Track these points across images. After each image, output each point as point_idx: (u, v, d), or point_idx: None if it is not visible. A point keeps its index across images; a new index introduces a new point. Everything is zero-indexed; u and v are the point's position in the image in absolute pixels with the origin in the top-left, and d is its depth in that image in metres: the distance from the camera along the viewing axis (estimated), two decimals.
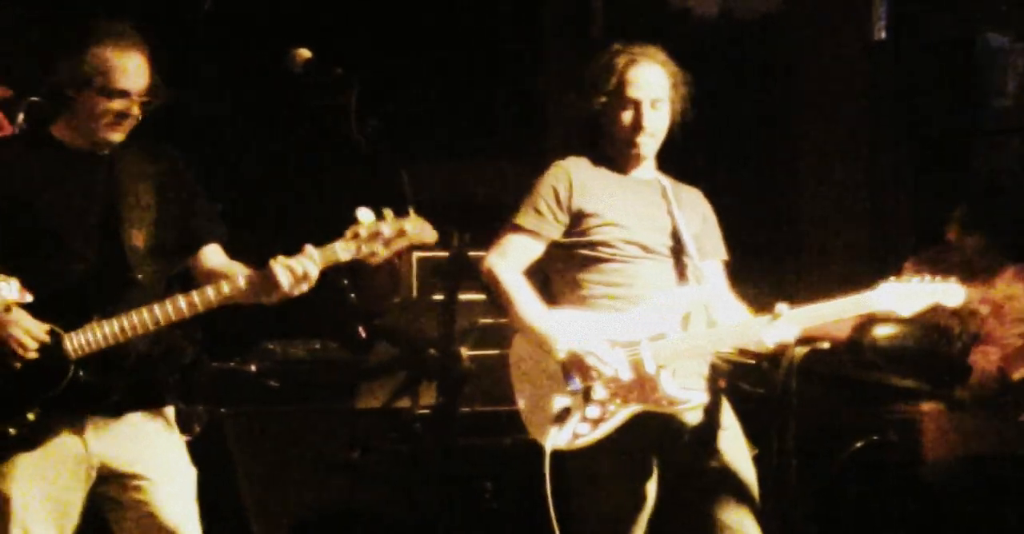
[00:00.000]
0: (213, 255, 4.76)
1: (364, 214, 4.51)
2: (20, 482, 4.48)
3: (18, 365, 4.40)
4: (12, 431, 4.45)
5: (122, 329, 4.47)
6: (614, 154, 5.05)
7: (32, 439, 4.48)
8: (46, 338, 4.42)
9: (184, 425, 5.02)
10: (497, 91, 8.74)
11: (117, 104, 4.55)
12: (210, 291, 4.50)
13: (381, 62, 8.11)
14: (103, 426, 4.57)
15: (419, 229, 4.53)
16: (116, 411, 4.58)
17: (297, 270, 4.48)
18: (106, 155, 4.64)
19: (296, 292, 4.51)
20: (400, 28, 8.67)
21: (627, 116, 4.97)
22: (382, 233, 4.50)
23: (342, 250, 4.51)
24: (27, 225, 4.52)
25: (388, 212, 4.51)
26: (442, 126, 8.72)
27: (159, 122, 4.73)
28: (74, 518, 4.58)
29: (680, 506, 4.98)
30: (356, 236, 4.51)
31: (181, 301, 4.50)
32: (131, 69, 4.54)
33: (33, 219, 4.52)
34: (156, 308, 4.48)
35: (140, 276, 4.57)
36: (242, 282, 4.51)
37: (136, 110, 4.57)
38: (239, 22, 8.65)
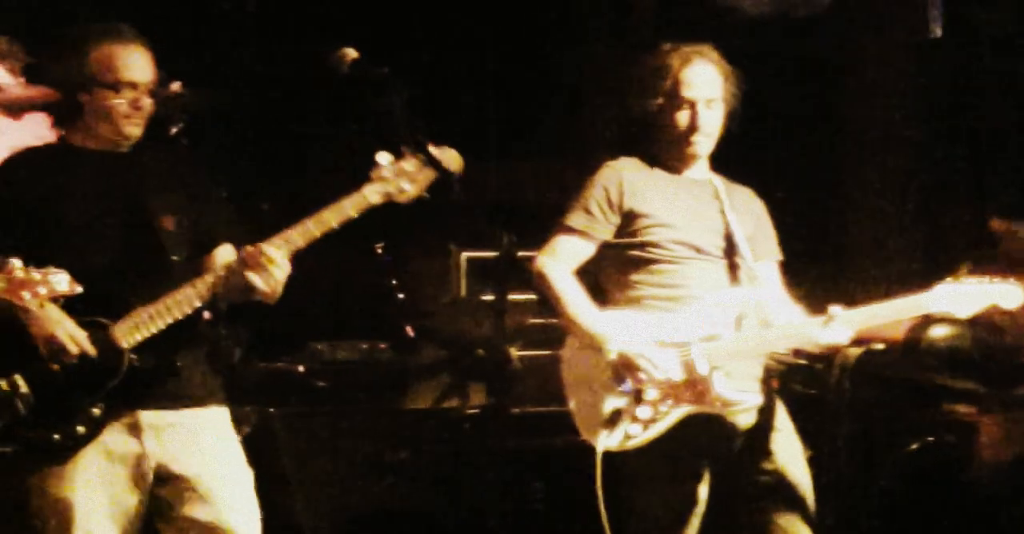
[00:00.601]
0: (222, 255, 4.74)
1: (383, 156, 4.51)
2: (82, 487, 4.47)
3: (72, 362, 4.41)
4: (81, 430, 4.46)
5: (167, 309, 4.47)
6: (667, 154, 5.02)
7: (97, 438, 4.47)
8: (86, 343, 4.43)
9: (232, 426, 5.00)
10: (547, 90, 8.71)
11: (127, 96, 4.58)
12: (234, 266, 4.50)
13: (427, 62, 8.10)
14: (159, 427, 4.57)
15: (441, 157, 4.50)
16: (171, 405, 4.58)
17: (256, 256, 4.44)
18: (125, 154, 4.67)
19: (267, 281, 4.47)
20: (446, 28, 8.65)
21: (683, 116, 4.94)
22: (405, 170, 4.49)
23: (371, 193, 4.51)
24: (55, 228, 4.54)
25: (406, 149, 4.50)
26: (491, 126, 8.69)
27: (202, 122, 4.73)
28: (135, 520, 4.58)
29: (733, 508, 4.95)
30: (380, 177, 4.51)
31: (220, 273, 4.50)
32: (134, 61, 4.58)
33: (61, 221, 4.54)
34: (197, 283, 4.49)
35: (175, 257, 4.60)
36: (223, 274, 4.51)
37: (146, 102, 4.60)
38: (285, 22, 8.65)
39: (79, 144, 4.67)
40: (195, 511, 4.56)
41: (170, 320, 4.49)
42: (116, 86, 4.57)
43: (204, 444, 4.61)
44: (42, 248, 4.48)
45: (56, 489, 4.47)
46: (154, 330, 4.48)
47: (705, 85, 4.95)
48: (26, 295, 4.16)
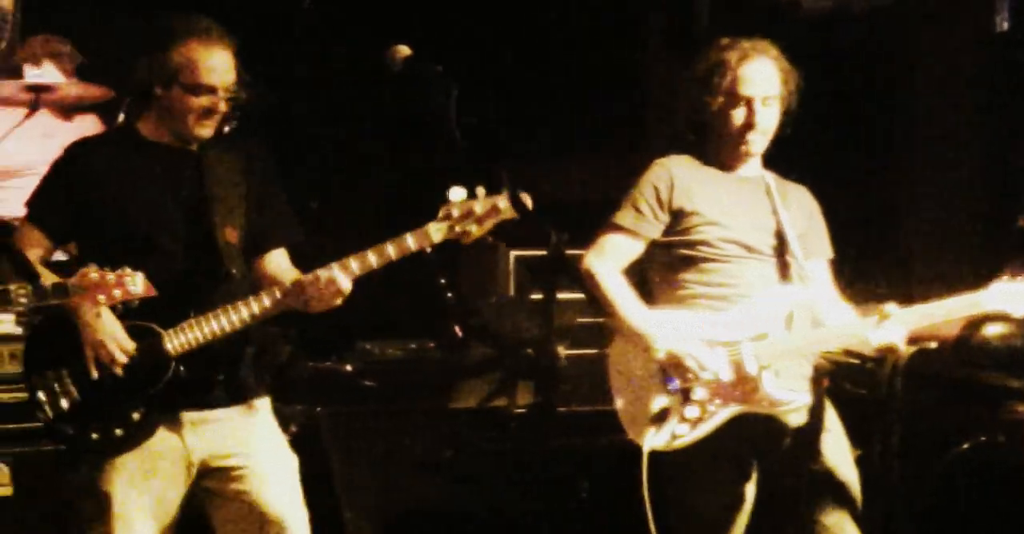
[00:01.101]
0: (274, 260, 4.76)
1: (456, 193, 4.51)
2: (122, 481, 4.52)
3: (118, 370, 4.43)
4: (119, 432, 4.49)
5: (220, 325, 4.50)
6: (720, 151, 4.99)
7: (136, 438, 4.51)
8: (131, 350, 4.44)
9: (280, 424, 5.02)
10: (598, 87, 8.68)
11: (204, 100, 4.57)
12: (296, 285, 4.53)
13: (481, 59, 8.09)
14: (200, 422, 4.60)
15: (510, 206, 4.51)
16: (212, 406, 4.61)
17: (321, 279, 4.47)
18: (193, 151, 4.67)
19: (329, 304, 4.52)
20: (500, 25, 8.63)
21: (739, 114, 4.91)
22: (474, 211, 4.50)
23: (435, 231, 4.52)
24: (119, 225, 4.56)
25: (480, 190, 4.50)
26: (541, 124, 8.67)
27: (257, 121, 4.73)
28: (173, 514, 4.62)
29: (780, 508, 4.93)
30: (448, 215, 4.51)
31: (274, 293, 4.53)
32: (217, 65, 4.56)
33: (125, 219, 4.56)
34: (252, 302, 4.52)
35: (234, 270, 4.60)
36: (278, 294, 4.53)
37: (223, 106, 4.59)
38: (337, 19, 8.66)
39: (146, 134, 4.67)
40: (242, 498, 4.60)
41: (221, 334, 4.51)
42: (196, 89, 4.56)
43: (245, 433, 4.64)
44: (102, 237, 4.55)
45: (97, 484, 4.52)
46: (204, 341, 4.49)
47: (762, 82, 4.91)
48: (101, 298, 4.18)
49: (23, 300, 4.08)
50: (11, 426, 5.59)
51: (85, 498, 4.54)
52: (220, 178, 4.65)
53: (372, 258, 4.52)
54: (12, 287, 4.06)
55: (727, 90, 4.90)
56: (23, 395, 4.66)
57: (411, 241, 4.52)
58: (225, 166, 4.69)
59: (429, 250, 4.55)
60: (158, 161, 4.63)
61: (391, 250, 4.52)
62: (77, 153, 4.67)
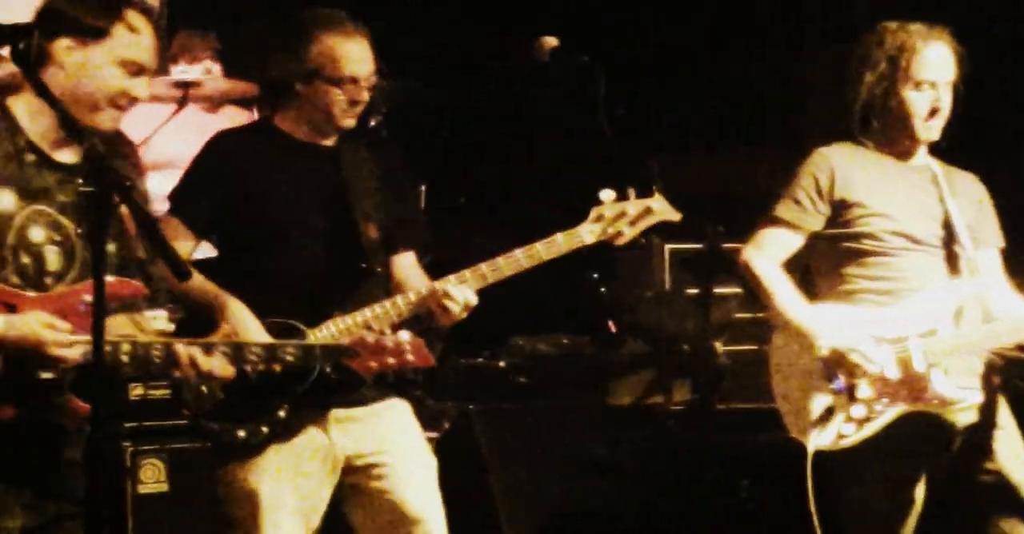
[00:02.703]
0: (403, 264, 4.76)
1: (607, 194, 4.50)
2: (270, 477, 4.54)
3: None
4: (265, 429, 4.52)
5: (365, 323, 4.49)
6: (890, 139, 4.89)
7: (282, 436, 4.54)
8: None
9: (432, 421, 5.01)
10: (754, 76, 8.57)
11: (348, 92, 4.58)
12: (425, 291, 4.53)
13: (633, 49, 8.02)
14: (345, 419, 4.61)
15: (664, 207, 4.51)
16: (359, 404, 4.62)
17: (457, 299, 4.48)
18: (330, 148, 4.68)
19: (447, 318, 4.54)
20: (652, 14, 8.56)
21: (922, 99, 4.81)
22: (627, 212, 4.50)
23: (587, 233, 4.52)
24: (259, 220, 4.58)
25: (631, 191, 4.49)
26: (696, 114, 8.58)
27: (400, 113, 4.71)
28: (320, 510, 4.65)
29: (951, 509, 4.83)
30: (600, 217, 4.51)
31: (413, 298, 4.53)
32: (357, 55, 4.58)
33: (265, 214, 4.58)
34: (399, 300, 4.52)
35: (377, 267, 4.61)
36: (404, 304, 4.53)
37: (365, 95, 4.61)
38: (484, 11, 8.64)
39: (287, 130, 4.69)
40: (382, 496, 4.61)
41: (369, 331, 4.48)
42: (339, 81, 4.57)
43: (388, 432, 4.65)
44: (242, 232, 4.59)
45: (245, 481, 4.55)
46: (348, 340, 4.45)
47: (944, 66, 4.82)
48: (372, 364, 4.25)
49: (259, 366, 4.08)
50: (166, 423, 5.63)
51: (234, 496, 4.58)
52: (357, 174, 4.68)
53: (522, 259, 4.53)
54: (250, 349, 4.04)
55: (912, 75, 4.79)
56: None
57: (562, 242, 4.52)
58: (361, 163, 4.71)
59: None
60: (297, 157, 4.65)
61: (542, 251, 4.53)
62: (218, 147, 4.71)
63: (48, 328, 3.72)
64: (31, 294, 3.78)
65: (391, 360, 4.21)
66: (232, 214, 4.60)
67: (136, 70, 3.88)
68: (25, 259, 3.82)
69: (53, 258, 3.87)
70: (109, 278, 3.82)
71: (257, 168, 4.60)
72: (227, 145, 4.71)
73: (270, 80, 4.72)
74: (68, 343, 3.71)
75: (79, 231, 3.87)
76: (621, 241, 4.51)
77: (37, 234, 3.83)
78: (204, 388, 4.49)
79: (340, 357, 4.19)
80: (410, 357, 4.23)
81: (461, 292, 4.49)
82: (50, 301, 3.80)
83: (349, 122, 4.63)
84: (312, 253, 4.57)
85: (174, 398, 4.58)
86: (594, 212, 4.49)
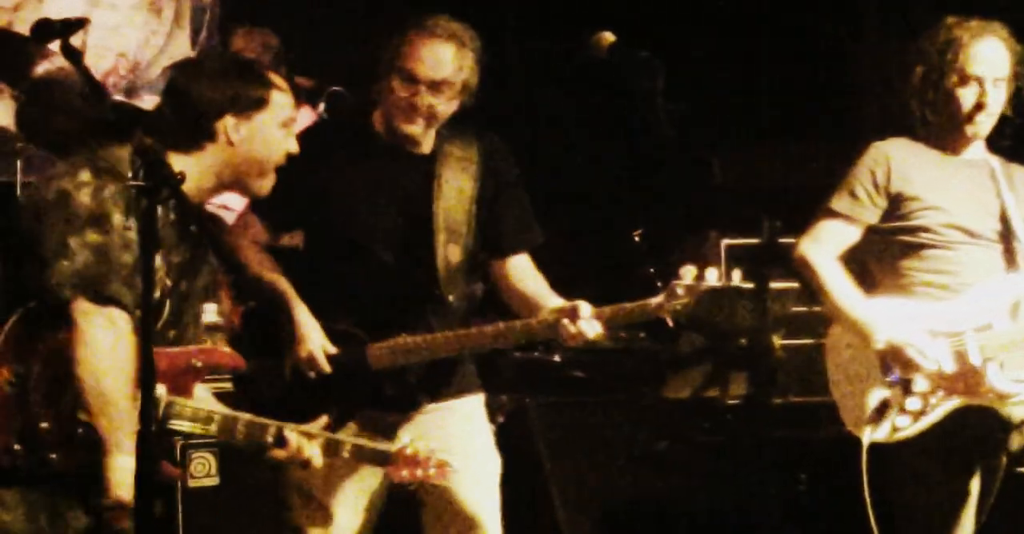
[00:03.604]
0: (517, 264, 4.70)
1: (687, 271, 4.46)
2: (325, 473, 4.50)
3: (313, 375, 4.44)
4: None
5: (425, 350, 4.47)
6: (944, 133, 4.87)
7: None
8: (327, 369, 4.45)
9: (488, 415, 5.01)
10: (810, 70, 8.53)
11: (405, 91, 4.47)
12: (519, 327, 4.48)
13: (690, 44, 7.99)
14: (403, 419, 4.60)
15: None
16: (412, 410, 4.61)
17: (586, 333, 4.44)
18: (425, 155, 4.59)
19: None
20: (708, 7, 8.53)
21: (968, 94, 4.78)
22: (694, 288, 4.46)
23: (658, 309, 4.50)
24: (341, 228, 4.53)
25: (712, 272, 4.45)
26: (754, 108, 8.56)
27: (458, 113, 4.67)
28: (377, 505, 4.64)
29: (1006, 504, 4.85)
30: (675, 296, 4.47)
31: (489, 333, 4.48)
32: (428, 57, 4.45)
33: (347, 223, 4.52)
34: (463, 335, 4.48)
35: (451, 297, 4.56)
36: (537, 329, 4.48)
37: (429, 101, 4.47)
38: (542, 7, 8.64)
39: (377, 129, 4.60)
40: (440, 495, 4.59)
41: (424, 359, 4.49)
42: (401, 77, 4.46)
43: (451, 430, 4.62)
44: (324, 237, 4.55)
45: (301, 476, 4.53)
46: (407, 362, 4.49)
47: (994, 62, 4.78)
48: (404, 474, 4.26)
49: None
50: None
51: (290, 491, 4.59)
52: (452, 181, 4.58)
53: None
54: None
55: (958, 69, 4.77)
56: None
57: (636, 312, 4.52)
58: (460, 167, 4.61)
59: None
60: (387, 160, 4.57)
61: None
62: (304, 144, 4.40)
63: None
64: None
65: (419, 473, 4.24)
66: (312, 215, 4.54)
67: (291, 124, 3.96)
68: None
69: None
70: (225, 349, 3.94)
71: (344, 170, 4.51)
72: (313, 142, 4.47)
73: (373, 78, 4.59)
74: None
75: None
76: (675, 317, 4.51)
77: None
78: (276, 368, 4.50)
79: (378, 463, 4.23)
80: (432, 472, 4.26)
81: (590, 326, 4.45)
82: (167, 358, 3.87)
83: (408, 127, 4.50)
84: (387, 270, 4.50)
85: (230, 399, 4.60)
86: (671, 286, 4.48)
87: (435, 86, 4.46)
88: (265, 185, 4.01)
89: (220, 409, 3.99)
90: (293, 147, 4.01)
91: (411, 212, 4.54)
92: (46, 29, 4.00)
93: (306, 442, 3.99)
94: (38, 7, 7.71)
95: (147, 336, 3.49)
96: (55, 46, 3.96)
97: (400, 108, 4.49)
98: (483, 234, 4.63)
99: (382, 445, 4.23)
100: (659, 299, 4.45)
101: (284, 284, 4.47)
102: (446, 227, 4.56)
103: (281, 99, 4.01)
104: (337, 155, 4.57)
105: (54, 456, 3.78)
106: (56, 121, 6.40)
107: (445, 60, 4.46)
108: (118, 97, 7.72)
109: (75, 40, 3.97)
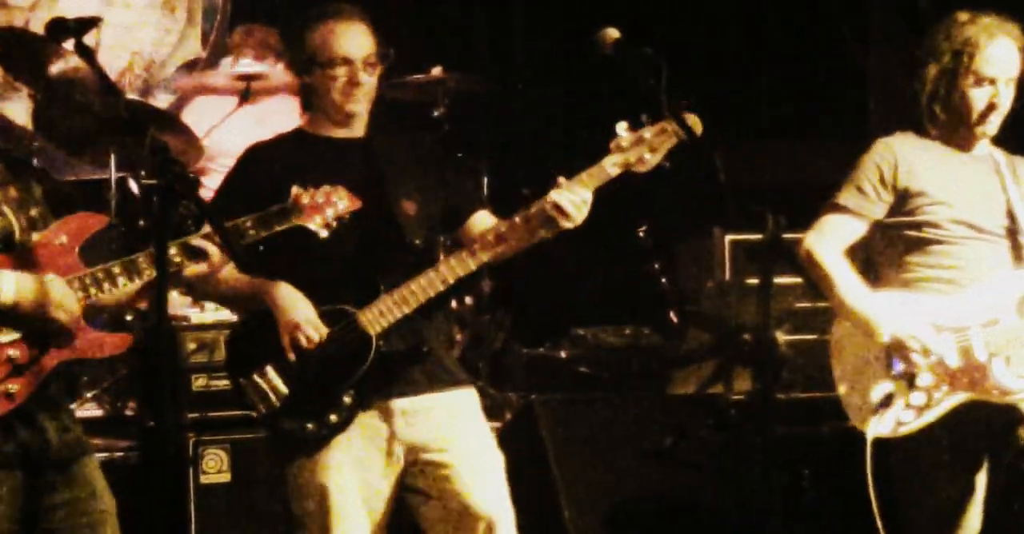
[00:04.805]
0: (479, 221, 4.76)
1: (620, 126, 4.46)
2: (336, 472, 4.53)
3: (311, 352, 4.45)
4: (334, 418, 4.51)
5: (414, 296, 4.49)
6: (951, 131, 4.87)
7: (349, 425, 4.52)
8: (325, 331, 4.47)
9: (495, 411, 5.01)
10: (815, 67, 8.53)
11: (341, 71, 4.59)
12: (490, 236, 4.50)
13: (695, 41, 8.00)
14: (410, 411, 4.59)
15: (677, 124, 4.41)
16: (420, 391, 4.60)
17: (575, 199, 4.43)
18: (359, 142, 4.69)
19: (579, 220, 4.46)
20: (713, 4, 8.54)
21: (982, 94, 4.79)
22: (644, 138, 4.44)
23: (610, 165, 4.47)
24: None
25: (644, 117, 4.45)
26: (758, 105, 8.56)
27: (464, 106, 4.69)
28: (385, 505, 4.62)
29: (1013, 499, 4.81)
30: (619, 148, 4.46)
31: (464, 253, 4.51)
32: (346, 35, 4.59)
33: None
34: (442, 268, 4.51)
35: (417, 241, 4.61)
36: (518, 220, 4.48)
37: (363, 76, 4.60)
38: (546, 4, 8.65)
39: (313, 131, 4.72)
40: (448, 496, 4.58)
41: (415, 305, 4.51)
42: (331, 62, 4.58)
43: (454, 428, 4.62)
44: (285, 234, 4.53)
45: (312, 476, 4.54)
46: (400, 315, 4.50)
47: (1008, 63, 4.79)
48: (318, 218, 4.26)
49: (251, 232, 4.15)
50: (228, 413, 5.68)
51: (302, 492, 4.56)
52: (388, 162, 4.68)
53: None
54: (240, 220, 4.14)
55: (973, 71, 4.77)
56: None
57: (587, 179, 4.46)
58: (393, 151, 4.72)
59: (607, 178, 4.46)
60: (325, 152, 4.66)
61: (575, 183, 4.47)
62: (252, 156, 4.73)
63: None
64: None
65: (329, 212, 4.25)
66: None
67: None
68: None
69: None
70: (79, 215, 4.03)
71: (290, 172, 4.54)
72: (261, 154, 4.72)
73: (297, 85, 4.76)
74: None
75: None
76: (644, 168, 4.45)
77: None
78: (266, 386, 4.52)
79: (289, 218, 4.23)
80: (341, 204, 4.27)
81: (574, 194, 4.44)
82: (33, 254, 3.93)
83: (353, 106, 4.62)
84: (350, 241, 4.52)
85: (240, 400, 4.61)
86: (612, 144, 4.45)
87: (363, 61, 4.59)
88: None
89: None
90: None
91: (359, 185, 4.53)
92: (60, 28, 4.00)
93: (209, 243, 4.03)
94: (52, 6, 7.75)
95: (158, 335, 3.51)
96: (70, 45, 3.97)
97: (340, 91, 4.60)
98: (431, 208, 4.69)
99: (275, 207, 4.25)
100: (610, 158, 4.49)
101: (258, 278, 4.53)
102: (395, 189, 4.63)
103: None
104: (281, 160, 4.65)
105: None
106: (72, 120, 6.43)
107: (361, 36, 4.62)
108: (132, 96, 7.76)
109: (88, 39, 3.97)
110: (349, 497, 4.53)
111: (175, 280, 4.20)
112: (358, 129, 4.71)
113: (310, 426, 4.50)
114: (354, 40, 4.61)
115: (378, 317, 4.49)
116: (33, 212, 4.05)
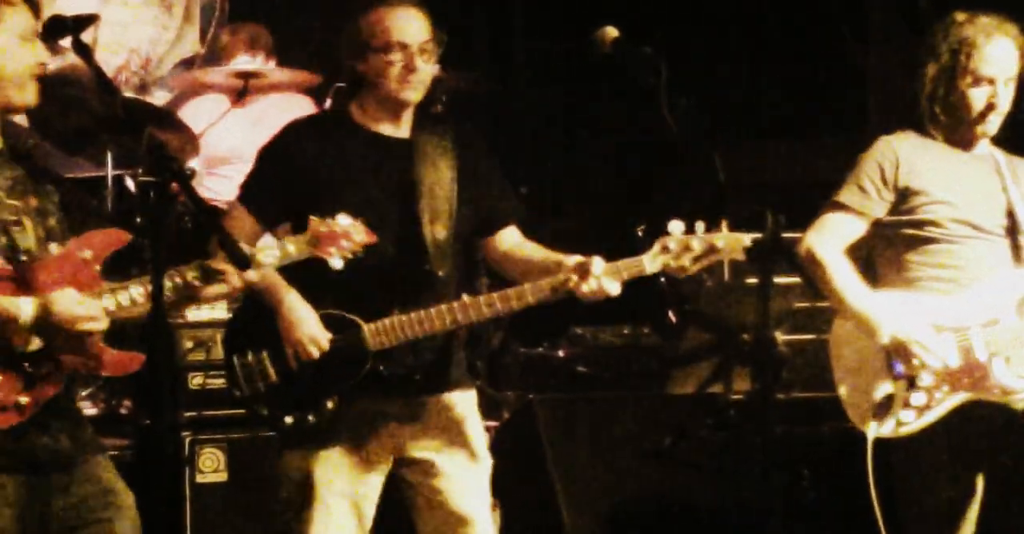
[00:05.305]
0: (508, 237, 4.73)
1: (675, 226, 4.43)
2: (321, 462, 4.53)
3: (309, 362, 4.44)
4: (311, 419, 4.51)
5: (420, 325, 4.46)
6: (951, 130, 4.87)
7: (328, 427, 4.52)
8: (326, 346, 4.46)
9: (493, 410, 5.00)
10: (816, 67, 8.53)
11: (397, 57, 4.51)
12: (513, 298, 4.47)
13: (694, 39, 7.99)
14: (403, 410, 4.58)
15: (730, 246, 4.45)
16: (413, 396, 4.59)
17: (600, 293, 4.43)
18: (404, 139, 4.63)
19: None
20: (714, 3, 8.53)
21: (980, 94, 4.79)
22: (692, 248, 4.43)
23: (649, 262, 4.45)
24: (328, 214, 4.51)
25: (700, 226, 4.43)
26: (758, 105, 8.55)
27: (462, 104, 4.68)
28: (372, 499, 4.62)
29: (1012, 499, 4.82)
30: (665, 249, 4.44)
31: (482, 303, 4.48)
32: (403, 21, 4.52)
33: (334, 207, 4.42)
34: (456, 307, 4.47)
35: (440, 272, 4.56)
36: (547, 292, 4.46)
37: (419, 62, 4.52)
38: (546, 2, 8.65)
39: (361, 122, 4.63)
40: (433, 494, 4.60)
41: (422, 333, 4.48)
42: (387, 48, 4.50)
43: (446, 429, 4.62)
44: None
45: (299, 464, 4.54)
46: (403, 339, 4.48)
47: (1006, 63, 4.79)
48: (332, 250, 4.20)
49: (270, 259, 4.11)
50: (225, 412, 5.68)
51: (289, 482, 4.58)
52: (431, 166, 4.61)
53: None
54: (256, 248, 4.10)
55: (972, 70, 4.77)
56: None
57: (623, 269, 4.45)
58: (437, 153, 4.64)
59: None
60: (369, 147, 4.60)
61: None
62: (289, 137, 4.64)
63: (81, 304, 3.82)
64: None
65: (345, 244, 4.19)
66: (301, 206, 4.48)
67: (32, 36, 3.95)
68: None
69: (19, 236, 3.95)
70: (103, 229, 3.99)
71: (327, 159, 4.54)
72: (298, 135, 4.63)
73: (343, 70, 4.67)
74: (97, 317, 3.84)
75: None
76: (682, 275, 4.46)
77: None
78: (256, 369, 4.52)
79: (307, 250, 4.18)
80: (358, 238, 4.21)
81: (604, 287, 4.43)
82: (56, 267, 3.89)
83: (408, 94, 4.55)
84: (376, 250, 4.44)
85: (226, 377, 4.60)
86: (659, 243, 4.43)
87: (420, 47, 4.52)
88: (27, 96, 4.00)
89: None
90: (43, 56, 3.98)
91: (396, 195, 4.56)
92: (58, 25, 3.99)
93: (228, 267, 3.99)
94: (50, 3, 7.73)
95: (157, 334, 3.50)
96: (67, 42, 3.96)
97: (396, 78, 4.52)
98: (467, 215, 4.65)
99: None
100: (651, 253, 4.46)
101: (273, 275, 4.47)
102: (430, 208, 4.57)
103: (13, 13, 3.97)
104: (321, 147, 4.59)
105: None
106: (69, 118, 6.42)
107: (417, 21, 4.55)
108: (129, 93, 7.75)
109: (85, 36, 3.95)
110: (332, 487, 4.53)
111: (191, 299, 4.18)
112: (405, 125, 4.64)
113: (288, 419, 4.50)
114: (411, 25, 4.53)
115: (382, 335, 4.47)
116: (52, 221, 4.02)
